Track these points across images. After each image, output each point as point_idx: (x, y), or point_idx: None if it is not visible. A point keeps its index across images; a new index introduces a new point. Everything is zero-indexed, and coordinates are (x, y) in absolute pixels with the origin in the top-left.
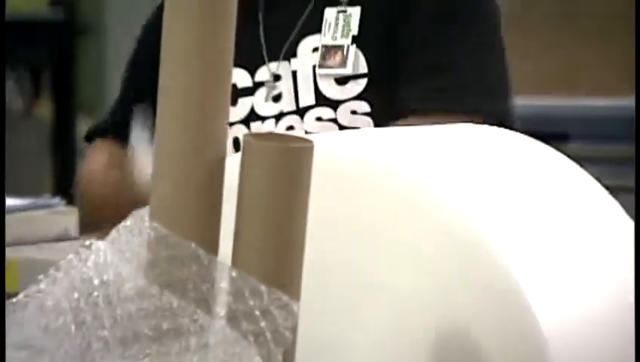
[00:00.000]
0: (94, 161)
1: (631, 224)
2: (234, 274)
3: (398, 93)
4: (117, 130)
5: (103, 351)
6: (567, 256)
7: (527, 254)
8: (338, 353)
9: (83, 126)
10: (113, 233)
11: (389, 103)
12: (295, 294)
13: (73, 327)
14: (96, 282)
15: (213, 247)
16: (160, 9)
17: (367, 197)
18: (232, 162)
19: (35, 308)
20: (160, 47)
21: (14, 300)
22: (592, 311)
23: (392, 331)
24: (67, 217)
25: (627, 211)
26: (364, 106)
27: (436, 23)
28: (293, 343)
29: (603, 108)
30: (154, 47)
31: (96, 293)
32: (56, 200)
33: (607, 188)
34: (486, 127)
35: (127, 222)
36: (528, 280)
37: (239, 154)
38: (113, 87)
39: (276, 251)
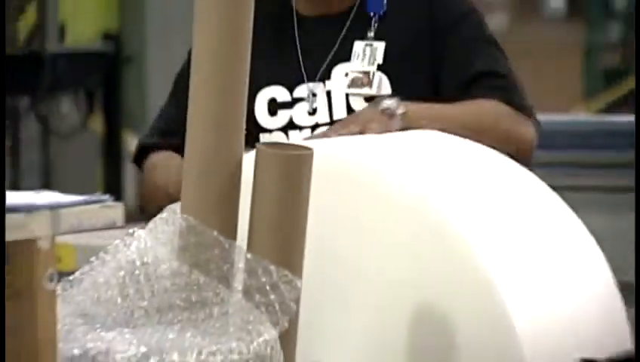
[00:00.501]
0: (166, 160)
1: (573, 216)
2: (249, 256)
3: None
4: (165, 138)
5: (143, 318)
6: (532, 251)
7: (499, 250)
8: (332, 324)
9: (127, 137)
10: (151, 223)
11: None
12: (298, 272)
13: (119, 299)
14: (137, 263)
15: (232, 234)
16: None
17: (358, 196)
18: (249, 160)
19: (88, 283)
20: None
21: (71, 277)
22: (557, 300)
23: (376, 312)
24: (114, 210)
25: (569, 204)
26: None
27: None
28: (297, 312)
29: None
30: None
31: (137, 272)
32: (106, 196)
33: (552, 187)
34: (459, 138)
35: (163, 214)
36: (500, 274)
37: (253, 152)
38: (153, 106)
39: (283, 237)
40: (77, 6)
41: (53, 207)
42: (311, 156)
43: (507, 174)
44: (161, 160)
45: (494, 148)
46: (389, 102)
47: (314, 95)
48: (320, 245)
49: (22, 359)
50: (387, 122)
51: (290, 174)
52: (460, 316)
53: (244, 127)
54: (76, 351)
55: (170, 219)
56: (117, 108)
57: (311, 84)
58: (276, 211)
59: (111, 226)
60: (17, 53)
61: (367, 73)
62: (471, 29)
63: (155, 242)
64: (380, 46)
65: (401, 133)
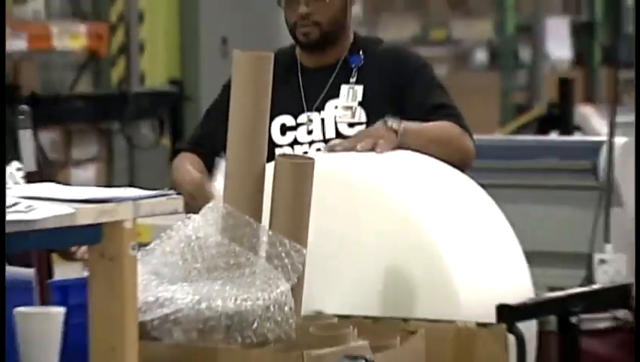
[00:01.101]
0: (182, 163)
1: (493, 204)
2: (270, 233)
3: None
4: (194, 147)
5: (196, 276)
6: (467, 228)
7: (445, 228)
8: (327, 281)
9: None
10: (202, 210)
11: None
12: (304, 244)
13: (180, 262)
14: (193, 237)
15: (258, 218)
16: (228, 83)
17: (352, 194)
18: (269, 168)
19: (159, 251)
20: (226, 101)
21: (147, 248)
22: (485, 261)
23: (359, 273)
24: (176, 201)
25: (492, 196)
26: None
27: (421, 89)
28: (303, 272)
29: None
30: (224, 102)
31: (192, 244)
32: (171, 192)
33: (480, 185)
34: (417, 154)
35: (210, 204)
36: (445, 244)
37: (272, 163)
38: None
39: (293, 219)
40: (152, 60)
41: (135, 199)
42: (313, 164)
43: (453, 178)
44: (179, 161)
45: (449, 157)
46: (392, 121)
47: (310, 121)
48: (322, 226)
49: (113, 304)
50: (392, 137)
51: (299, 176)
52: (415, 272)
53: (266, 147)
54: (150, 298)
55: (215, 208)
56: (180, 130)
57: (309, 114)
58: (290, 201)
59: (174, 212)
60: (112, 92)
61: (350, 107)
62: (426, 76)
63: (205, 223)
64: (360, 88)
65: (386, 153)
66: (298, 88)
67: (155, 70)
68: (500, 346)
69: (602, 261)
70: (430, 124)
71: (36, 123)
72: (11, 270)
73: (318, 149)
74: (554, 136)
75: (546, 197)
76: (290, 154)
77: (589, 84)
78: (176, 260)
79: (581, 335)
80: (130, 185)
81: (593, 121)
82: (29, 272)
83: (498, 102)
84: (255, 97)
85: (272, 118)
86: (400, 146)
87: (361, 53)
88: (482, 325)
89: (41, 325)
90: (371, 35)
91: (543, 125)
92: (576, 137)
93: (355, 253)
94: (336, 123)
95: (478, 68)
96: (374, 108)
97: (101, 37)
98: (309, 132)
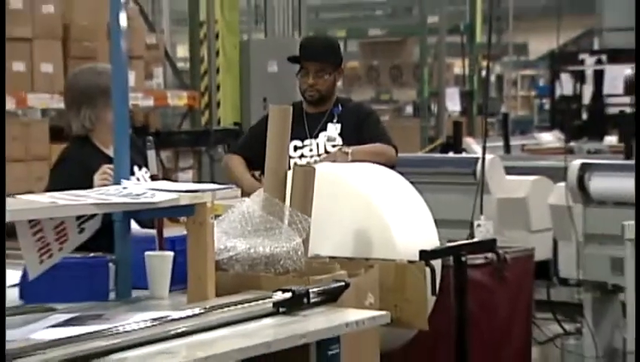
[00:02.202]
0: (233, 160)
1: (416, 193)
2: (289, 209)
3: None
4: (241, 151)
5: (248, 234)
6: (401, 205)
7: (389, 204)
8: (321, 237)
9: None
10: (253, 195)
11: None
12: (309, 215)
13: (239, 226)
14: (246, 212)
15: (283, 201)
16: (265, 117)
17: (335, 190)
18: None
19: (227, 220)
20: (262, 128)
21: (220, 217)
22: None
23: (339, 235)
24: (236, 191)
25: (416, 190)
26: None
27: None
28: (308, 232)
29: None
30: (262, 127)
31: (246, 215)
32: (233, 186)
33: (410, 181)
34: (368, 163)
35: (257, 193)
36: (390, 216)
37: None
38: None
39: (303, 202)
40: (224, 112)
41: (213, 190)
42: (314, 170)
43: (390, 175)
44: (229, 162)
45: (383, 162)
46: (345, 147)
47: (310, 143)
48: (317, 206)
49: (200, 250)
50: (345, 156)
51: (306, 177)
52: (371, 231)
53: (287, 159)
54: (221, 246)
55: (260, 194)
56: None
57: (310, 140)
58: (302, 192)
59: (234, 197)
60: (202, 130)
61: (334, 137)
62: (374, 120)
63: (252, 203)
64: (338, 126)
65: (353, 163)
66: (303, 125)
67: (226, 117)
68: (420, 275)
69: (478, 225)
70: (370, 145)
71: (157, 147)
72: (143, 230)
73: (315, 161)
74: (450, 155)
75: (445, 188)
76: (300, 164)
77: (470, 125)
78: (236, 225)
79: (466, 267)
80: (212, 182)
81: (473, 146)
82: (152, 231)
83: (419, 135)
84: (281, 131)
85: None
86: (353, 160)
87: (340, 106)
88: (411, 262)
89: (159, 262)
90: (346, 97)
91: (444, 148)
92: (463, 155)
93: (336, 221)
94: (325, 145)
95: (407, 116)
96: (347, 136)
97: (195, 98)
98: (310, 150)
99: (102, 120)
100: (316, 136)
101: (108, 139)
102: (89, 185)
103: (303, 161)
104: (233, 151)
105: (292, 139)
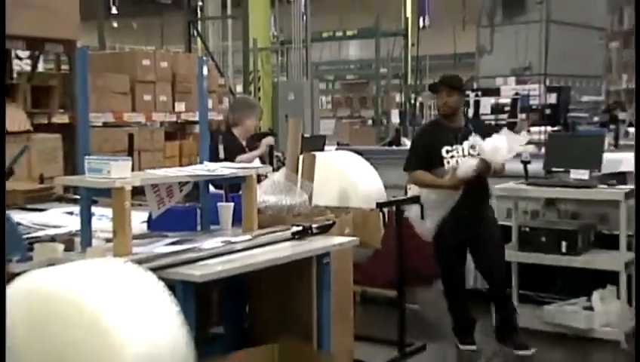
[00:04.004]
0: (421, 174)
1: (373, 170)
2: (300, 179)
3: None
4: (416, 167)
5: (277, 194)
6: (366, 176)
7: (360, 175)
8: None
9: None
10: (279, 171)
11: None
12: (312, 181)
13: (270, 189)
14: (275, 180)
15: (296, 173)
16: (427, 125)
17: (323, 167)
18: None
19: (264, 185)
20: (424, 140)
21: (260, 184)
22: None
23: (330, 191)
24: (269, 168)
25: (375, 168)
26: None
27: None
28: (312, 193)
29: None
30: (423, 139)
31: (275, 182)
32: (270, 168)
33: (371, 163)
34: (350, 153)
35: (281, 171)
36: (360, 183)
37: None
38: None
39: (309, 175)
40: (264, 122)
41: (255, 167)
42: (315, 156)
43: (359, 160)
44: (417, 173)
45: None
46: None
47: (457, 147)
48: (317, 177)
49: (251, 203)
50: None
51: (311, 160)
52: (349, 191)
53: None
54: (261, 200)
55: (283, 171)
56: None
57: (457, 145)
58: (308, 169)
59: (268, 172)
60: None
61: (473, 146)
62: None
63: (279, 176)
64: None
65: (334, 152)
66: (450, 135)
67: (264, 125)
68: (377, 217)
69: (409, 188)
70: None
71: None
72: (217, 191)
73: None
74: (393, 147)
75: (390, 167)
76: (310, 153)
77: (404, 131)
78: (269, 188)
79: (402, 212)
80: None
81: (407, 142)
82: (221, 191)
83: (375, 136)
84: (296, 133)
85: (442, 146)
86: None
87: (470, 125)
88: (371, 209)
89: (226, 209)
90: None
91: (390, 144)
92: (401, 148)
93: (328, 186)
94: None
95: (368, 126)
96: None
97: None
98: (457, 152)
99: (241, 122)
100: (460, 143)
101: (241, 134)
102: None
103: (454, 160)
104: (412, 168)
105: (443, 144)
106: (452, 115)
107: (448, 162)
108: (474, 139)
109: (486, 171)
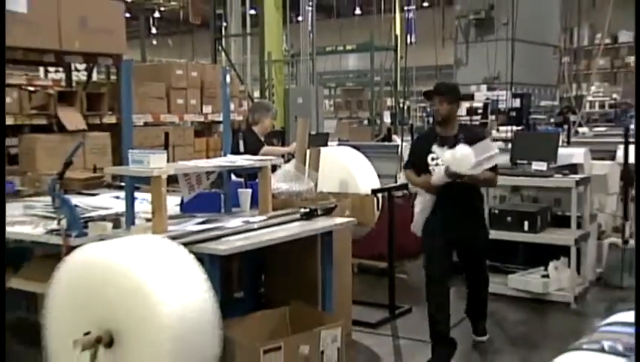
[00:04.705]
0: (409, 173)
1: (367, 161)
2: (308, 168)
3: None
4: (409, 167)
5: (288, 181)
6: (363, 168)
7: (357, 169)
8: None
9: None
10: (290, 163)
11: None
12: (317, 171)
13: (282, 177)
14: (286, 170)
15: (304, 164)
16: (424, 132)
17: (326, 160)
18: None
19: (277, 174)
20: (414, 148)
21: (275, 173)
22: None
23: (331, 179)
24: (281, 159)
25: (369, 159)
26: None
27: None
28: (317, 181)
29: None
30: (413, 147)
31: (287, 172)
32: (283, 160)
33: (367, 156)
34: (348, 148)
35: (292, 161)
36: (357, 174)
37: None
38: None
39: (315, 166)
40: (277, 121)
41: (269, 159)
42: (319, 150)
43: (356, 153)
44: (407, 172)
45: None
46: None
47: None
48: (322, 168)
49: (266, 188)
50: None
51: (317, 154)
52: (349, 181)
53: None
54: (274, 187)
55: (294, 163)
56: (283, 142)
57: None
58: (314, 161)
59: (282, 163)
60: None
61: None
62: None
63: (290, 166)
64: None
65: (333, 147)
66: (437, 142)
67: (277, 124)
68: (371, 201)
69: (399, 177)
70: (486, 174)
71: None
72: (237, 179)
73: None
74: (385, 143)
75: (382, 159)
76: (317, 148)
77: (395, 129)
78: (281, 177)
79: (393, 197)
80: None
81: (397, 139)
82: (241, 179)
83: (370, 134)
84: (303, 131)
85: (428, 153)
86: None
87: (462, 134)
88: (367, 195)
89: (245, 194)
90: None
91: (382, 140)
92: (392, 143)
93: (329, 175)
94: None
95: (365, 125)
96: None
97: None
98: (442, 159)
99: (260, 122)
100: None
101: (260, 131)
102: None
103: (440, 165)
104: (406, 168)
105: (430, 151)
106: (445, 123)
107: (433, 169)
108: (438, 149)
109: (455, 178)
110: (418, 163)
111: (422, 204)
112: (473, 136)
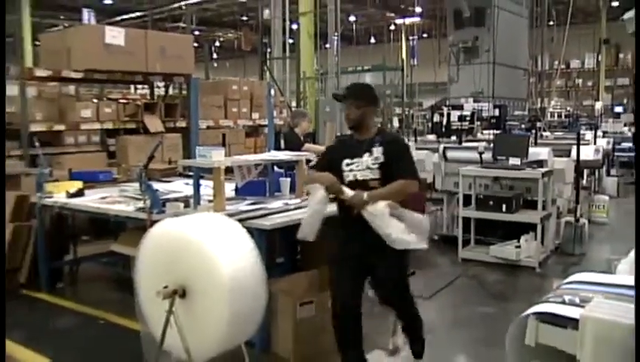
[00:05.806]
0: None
1: None
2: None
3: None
4: (318, 169)
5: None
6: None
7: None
8: None
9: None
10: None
11: (387, 180)
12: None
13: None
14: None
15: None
16: (330, 146)
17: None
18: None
19: (308, 168)
20: (329, 154)
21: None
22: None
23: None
24: (312, 155)
25: None
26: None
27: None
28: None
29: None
30: (328, 154)
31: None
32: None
33: None
34: None
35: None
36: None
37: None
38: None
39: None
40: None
41: (303, 155)
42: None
43: None
44: (315, 173)
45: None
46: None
47: (358, 161)
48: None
49: (301, 178)
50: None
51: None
52: None
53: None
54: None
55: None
56: (315, 142)
57: (358, 158)
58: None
59: (311, 158)
60: (284, 130)
61: (377, 157)
62: (403, 152)
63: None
64: (380, 149)
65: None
66: (352, 147)
67: (310, 128)
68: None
69: None
70: (387, 187)
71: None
72: (279, 170)
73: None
74: None
75: None
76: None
77: (402, 131)
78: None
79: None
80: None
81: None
82: (282, 170)
83: None
84: (331, 133)
85: (343, 159)
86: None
87: (379, 137)
88: None
89: (286, 182)
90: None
91: None
92: None
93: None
94: (368, 163)
95: None
96: (387, 158)
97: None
98: (357, 165)
99: (299, 124)
100: (362, 156)
101: (299, 132)
102: (297, 145)
103: (354, 172)
104: (314, 167)
105: (345, 156)
106: (358, 128)
107: (347, 175)
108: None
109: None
110: (329, 166)
111: (315, 206)
112: (390, 140)
